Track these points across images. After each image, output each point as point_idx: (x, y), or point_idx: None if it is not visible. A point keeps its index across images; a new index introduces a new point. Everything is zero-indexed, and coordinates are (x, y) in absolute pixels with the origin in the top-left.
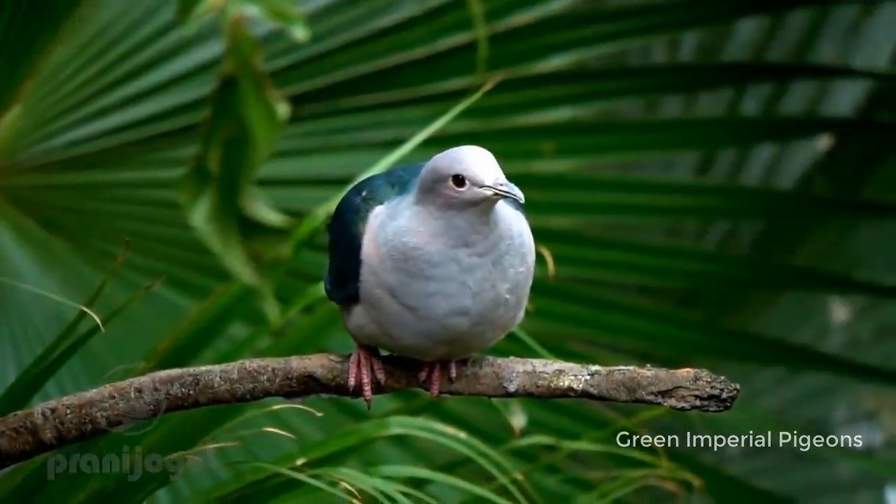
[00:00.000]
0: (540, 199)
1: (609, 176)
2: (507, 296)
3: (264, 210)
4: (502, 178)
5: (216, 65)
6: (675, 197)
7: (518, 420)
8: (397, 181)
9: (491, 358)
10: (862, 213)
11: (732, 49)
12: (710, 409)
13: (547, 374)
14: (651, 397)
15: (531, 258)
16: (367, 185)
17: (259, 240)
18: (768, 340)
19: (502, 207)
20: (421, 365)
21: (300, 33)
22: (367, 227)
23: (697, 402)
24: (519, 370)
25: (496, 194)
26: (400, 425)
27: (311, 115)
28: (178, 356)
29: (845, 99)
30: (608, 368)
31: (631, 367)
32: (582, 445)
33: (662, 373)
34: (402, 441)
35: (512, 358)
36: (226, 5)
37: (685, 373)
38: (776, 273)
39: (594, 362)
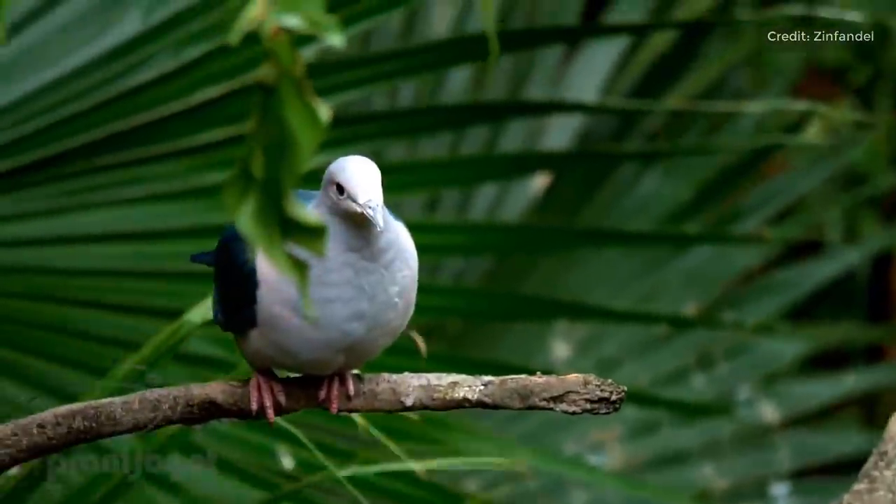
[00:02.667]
0: None
1: None
2: (397, 299)
3: (303, 211)
4: (375, 199)
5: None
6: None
7: (287, 461)
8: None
9: (386, 374)
10: (582, 240)
11: (447, 95)
12: (601, 411)
13: (442, 386)
14: (544, 403)
15: (414, 263)
16: None
17: (298, 239)
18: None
19: (387, 212)
20: (319, 384)
21: (336, 40)
22: None
23: (588, 406)
24: (415, 384)
25: (363, 214)
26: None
27: (67, 174)
28: None
29: (559, 136)
30: (500, 378)
31: (522, 376)
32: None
33: (553, 379)
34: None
35: (407, 373)
36: (266, 17)
37: (574, 378)
38: (506, 303)
39: None
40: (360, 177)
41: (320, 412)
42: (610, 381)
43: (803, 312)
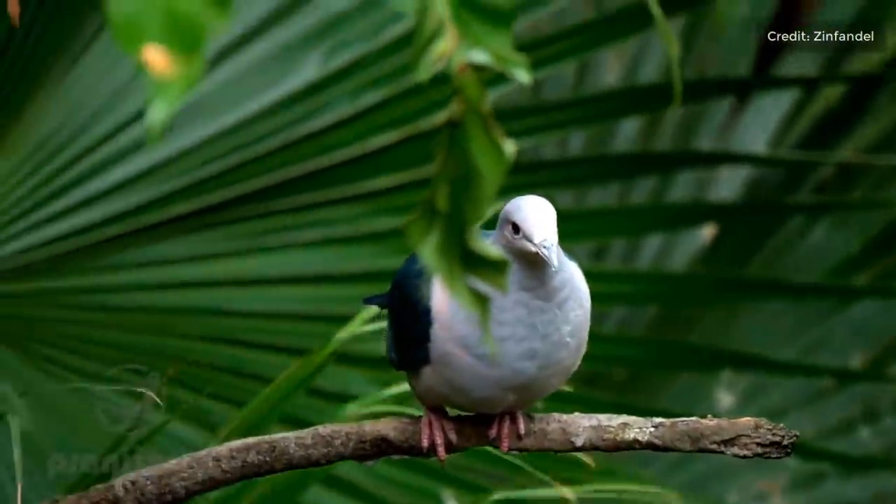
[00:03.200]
0: None
1: None
2: (569, 339)
3: (486, 246)
4: (550, 238)
5: (156, 171)
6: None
7: None
8: None
9: (556, 414)
10: (748, 291)
11: (617, 145)
12: (773, 455)
13: (612, 427)
14: (714, 446)
15: (587, 303)
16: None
17: (480, 273)
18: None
19: (560, 252)
20: (489, 423)
21: (524, 77)
22: (436, 285)
23: (759, 450)
24: (585, 425)
25: (538, 254)
26: None
27: (243, 217)
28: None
29: (727, 186)
30: (671, 420)
31: (693, 418)
32: None
33: (724, 423)
34: None
35: (577, 414)
36: (454, 53)
37: (746, 422)
38: (672, 353)
39: None
40: (536, 216)
41: (484, 453)
42: (781, 425)
43: None
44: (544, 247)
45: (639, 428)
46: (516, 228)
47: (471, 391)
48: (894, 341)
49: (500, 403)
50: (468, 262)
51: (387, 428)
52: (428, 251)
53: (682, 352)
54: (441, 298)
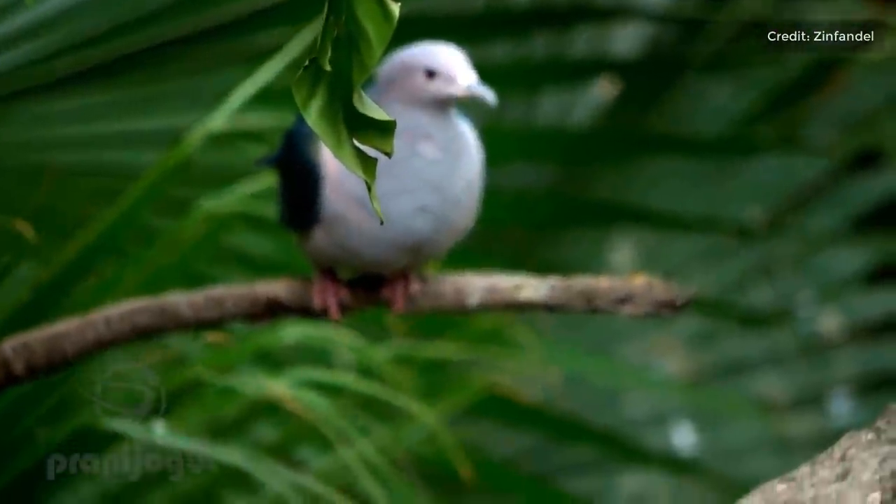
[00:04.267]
0: None
1: None
2: (463, 197)
3: (373, 106)
4: (475, 79)
5: (39, 28)
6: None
7: None
8: None
9: (450, 275)
10: (648, 147)
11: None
12: (666, 314)
13: (506, 288)
14: (608, 305)
15: (479, 163)
16: None
17: (365, 136)
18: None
19: (453, 112)
20: (382, 284)
21: None
22: None
23: (653, 309)
24: (479, 285)
25: (468, 92)
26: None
27: (133, 75)
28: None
29: (627, 42)
30: (565, 280)
31: (587, 278)
32: None
33: (618, 282)
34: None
35: (471, 274)
36: None
37: (639, 280)
38: (570, 211)
39: None
40: (456, 60)
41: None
42: (675, 284)
43: (868, 224)
44: (474, 84)
45: (533, 288)
46: (431, 74)
47: (362, 252)
48: (794, 197)
49: (393, 264)
50: (353, 123)
51: (279, 289)
52: (312, 113)
53: (581, 209)
54: (332, 157)
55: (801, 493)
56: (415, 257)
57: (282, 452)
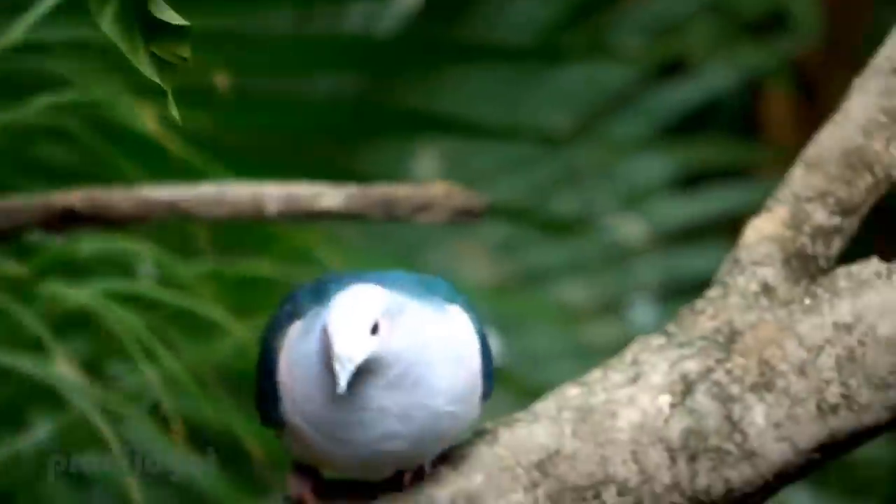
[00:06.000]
0: None
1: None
2: (448, 408)
3: (167, 12)
4: (350, 354)
5: None
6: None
7: None
8: (321, 290)
9: (247, 184)
10: (454, 55)
11: None
12: (465, 221)
13: (305, 196)
14: (407, 213)
15: (472, 358)
16: (292, 297)
17: (161, 42)
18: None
19: (419, 312)
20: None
21: None
22: (285, 344)
23: (451, 216)
24: (277, 194)
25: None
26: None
27: None
28: None
29: None
30: (364, 189)
31: (386, 187)
32: None
33: (417, 190)
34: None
35: (270, 183)
36: None
37: (438, 188)
38: (376, 119)
39: None
40: (343, 319)
41: None
42: (472, 192)
43: (673, 132)
44: (339, 364)
45: (331, 196)
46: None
47: (337, 467)
48: (599, 105)
49: (379, 472)
50: (148, 28)
51: (75, 199)
52: (105, 19)
53: (386, 119)
54: (285, 361)
55: (592, 397)
56: (402, 465)
57: (92, 368)
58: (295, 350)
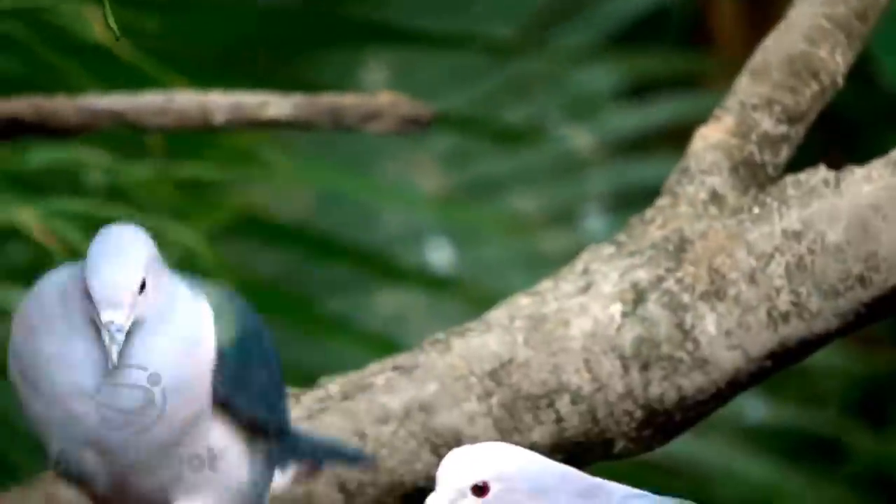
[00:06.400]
0: None
1: None
2: (153, 389)
3: None
4: (118, 320)
5: None
6: None
7: None
8: None
9: (193, 92)
10: None
11: None
12: (412, 130)
13: (251, 105)
14: (355, 122)
15: (202, 357)
16: None
17: None
18: None
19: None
20: None
21: None
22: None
23: (399, 126)
24: (223, 103)
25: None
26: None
27: None
28: None
29: None
30: (311, 98)
31: (333, 96)
32: None
33: (364, 99)
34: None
35: (215, 92)
36: None
37: (385, 97)
38: (320, 28)
39: None
40: (109, 281)
41: None
42: (419, 101)
43: (622, 40)
44: (108, 330)
45: (278, 105)
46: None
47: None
48: (546, 13)
49: (81, 461)
50: None
51: (20, 107)
52: None
53: (333, 28)
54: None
55: (544, 306)
56: (104, 458)
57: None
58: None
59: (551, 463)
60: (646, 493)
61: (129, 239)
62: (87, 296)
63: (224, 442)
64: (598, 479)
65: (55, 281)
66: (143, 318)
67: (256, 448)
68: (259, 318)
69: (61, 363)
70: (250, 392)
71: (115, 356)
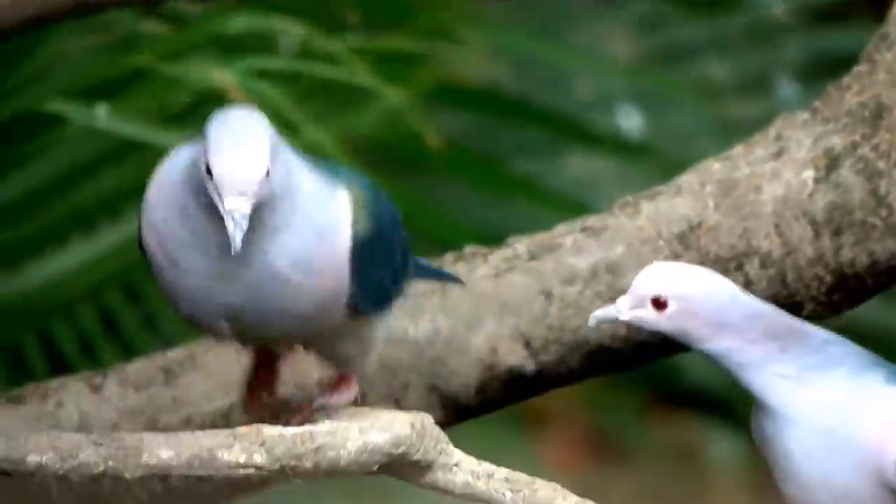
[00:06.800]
0: None
1: None
2: (292, 274)
3: None
4: (242, 209)
5: None
6: None
7: None
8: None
9: None
10: None
11: None
12: None
13: None
14: None
15: (333, 233)
16: None
17: None
18: None
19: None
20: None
21: None
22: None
23: None
24: None
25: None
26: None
27: None
28: None
29: None
30: None
31: None
32: None
33: None
34: None
35: None
36: None
37: None
38: None
39: None
40: (235, 168)
41: None
42: None
43: None
44: (233, 218)
45: None
46: (210, 172)
47: (176, 300)
48: None
49: (216, 328)
50: None
51: None
52: None
53: None
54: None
55: (736, 171)
56: (238, 327)
57: None
58: (166, 169)
59: (748, 299)
60: (847, 340)
61: (251, 124)
62: (210, 179)
63: None
64: (799, 322)
65: (179, 162)
66: (267, 202)
67: None
68: (393, 207)
69: (188, 245)
70: (368, 289)
71: (238, 243)
